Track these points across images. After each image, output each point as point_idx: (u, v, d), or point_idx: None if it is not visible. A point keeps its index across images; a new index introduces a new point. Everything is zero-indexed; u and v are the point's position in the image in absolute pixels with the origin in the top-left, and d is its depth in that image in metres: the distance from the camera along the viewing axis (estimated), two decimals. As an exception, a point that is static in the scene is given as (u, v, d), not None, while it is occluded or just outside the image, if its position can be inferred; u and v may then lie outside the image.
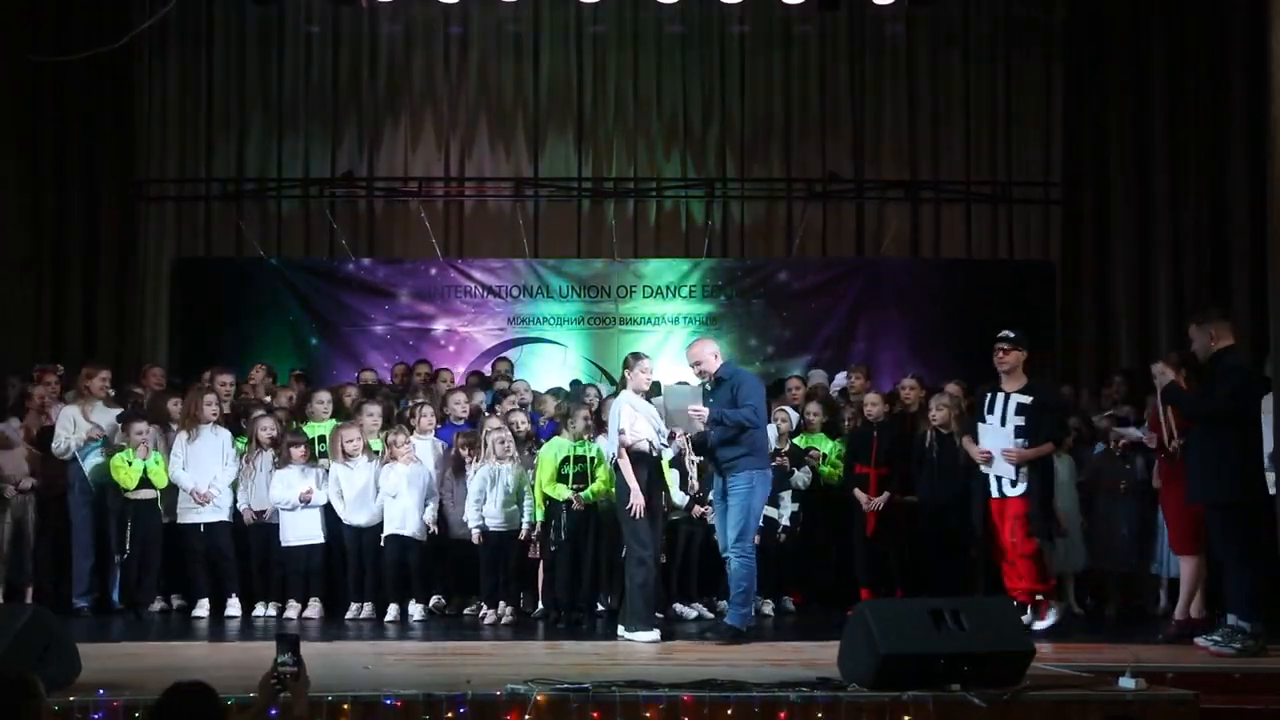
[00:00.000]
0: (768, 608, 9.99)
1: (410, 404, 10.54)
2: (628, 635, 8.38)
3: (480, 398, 10.90)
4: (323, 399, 10.47)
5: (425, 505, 9.64)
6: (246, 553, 9.98)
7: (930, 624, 6.16)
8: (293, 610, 9.73)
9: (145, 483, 9.74)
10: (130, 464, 9.67)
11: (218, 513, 9.92)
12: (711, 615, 9.68)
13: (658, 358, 13.07)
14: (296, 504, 9.70)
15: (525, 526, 9.45)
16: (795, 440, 10.27)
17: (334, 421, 10.31)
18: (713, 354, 8.76)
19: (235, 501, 9.96)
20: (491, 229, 14.70)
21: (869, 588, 9.69)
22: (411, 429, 9.96)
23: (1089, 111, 13.84)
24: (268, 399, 11.05)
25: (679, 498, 9.66)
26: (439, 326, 14.04)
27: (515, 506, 9.47)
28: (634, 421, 8.61)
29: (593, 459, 9.30)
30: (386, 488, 9.61)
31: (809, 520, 10.08)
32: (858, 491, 9.83)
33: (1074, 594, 10.22)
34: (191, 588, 10.02)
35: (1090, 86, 13.82)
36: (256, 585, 9.97)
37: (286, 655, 4.54)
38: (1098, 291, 13.64)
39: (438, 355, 13.58)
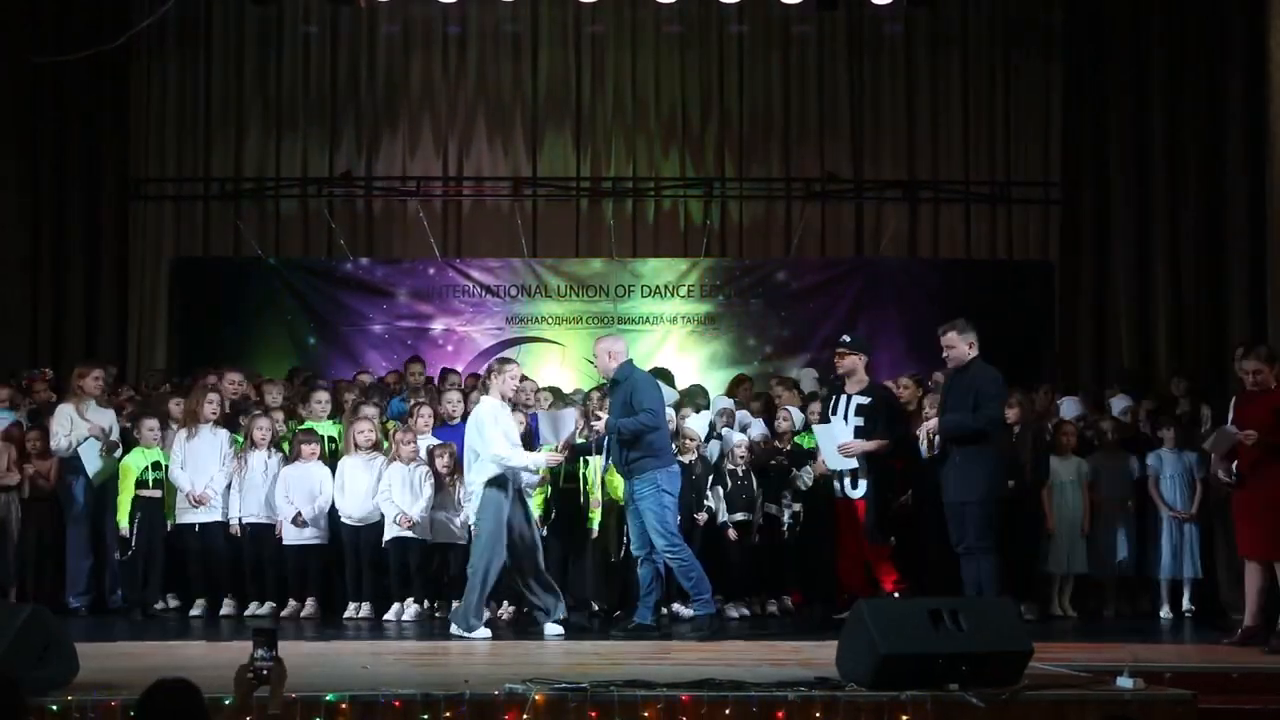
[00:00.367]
0: (772, 607, 9.99)
1: (411, 404, 10.54)
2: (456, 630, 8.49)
3: (475, 399, 10.86)
4: (321, 398, 10.47)
5: (422, 504, 9.63)
6: (243, 553, 9.97)
7: (929, 624, 6.16)
8: (290, 609, 9.73)
9: (158, 483, 9.78)
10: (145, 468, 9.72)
11: (214, 513, 9.91)
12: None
13: (656, 357, 13.10)
14: (296, 514, 9.73)
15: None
16: (796, 440, 10.25)
17: (332, 422, 10.33)
18: (608, 353, 8.75)
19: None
20: (490, 228, 14.70)
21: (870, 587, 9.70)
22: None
23: (1088, 111, 13.85)
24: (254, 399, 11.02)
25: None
26: (437, 326, 14.03)
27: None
28: (495, 434, 8.55)
29: (584, 459, 9.36)
30: (383, 486, 9.61)
31: (809, 520, 10.07)
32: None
33: (1071, 596, 10.23)
34: (188, 588, 10.02)
35: (1090, 86, 13.82)
36: (254, 585, 9.97)
37: (263, 649, 4.53)
38: (1097, 292, 13.65)
39: (436, 355, 13.57)
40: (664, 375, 10.48)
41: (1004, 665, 6.19)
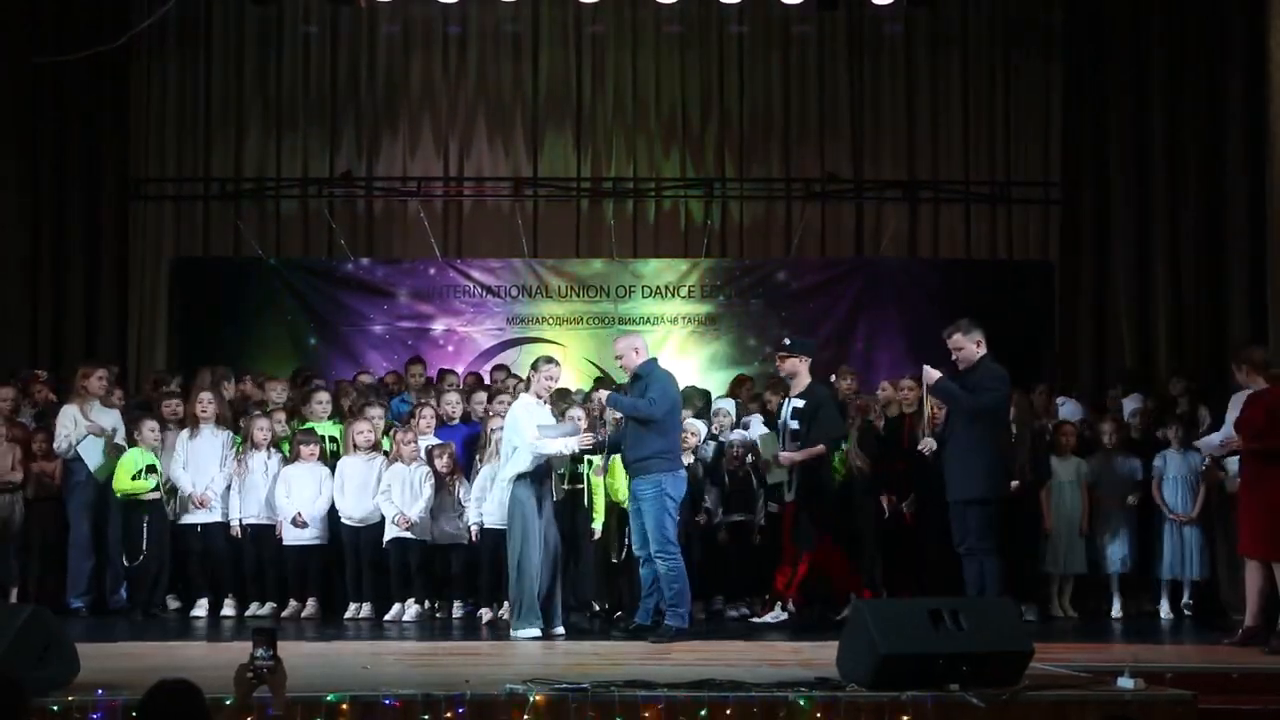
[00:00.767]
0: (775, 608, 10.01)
1: (412, 404, 10.56)
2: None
3: (479, 399, 10.88)
4: (322, 399, 10.47)
5: (422, 505, 9.64)
6: (244, 553, 9.98)
7: (929, 624, 6.16)
8: (291, 610, 9.74)
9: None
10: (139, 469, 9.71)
11: (215, 514, 9.91)
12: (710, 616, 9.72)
13: (657, 358, 13.07)
14: (296, 515, 9.73)
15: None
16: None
17: (333, 422, 10.34)
18: (634, 349, 8.78)
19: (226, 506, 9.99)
20: (490, 229, 14.69)
21: (870, 588, 9.72)
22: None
23: (1088, 111, 13.84)
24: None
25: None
26: (438, 326, 14.03)
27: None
28: (528, 426, 8.58)
29: (589, 460, 9.35)
30: (383, 486, 9.62)
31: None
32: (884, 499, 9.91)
33: (1071, 596, 10.24)
34: (190, 588, 10.03)
35: (1090, 86, 13.82)
36: (255, 585, 9.97)
37: (263, 649, 4.53)
38: (1097, 292, 13.65)
39: (436, 355, 13.57)
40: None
41: (1004, 665, 6.19)
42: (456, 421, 10.37)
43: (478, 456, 9.66)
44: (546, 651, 8.03)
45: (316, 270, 14.22)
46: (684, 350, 13.89)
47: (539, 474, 8.62)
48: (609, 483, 9.48)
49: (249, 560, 9.97)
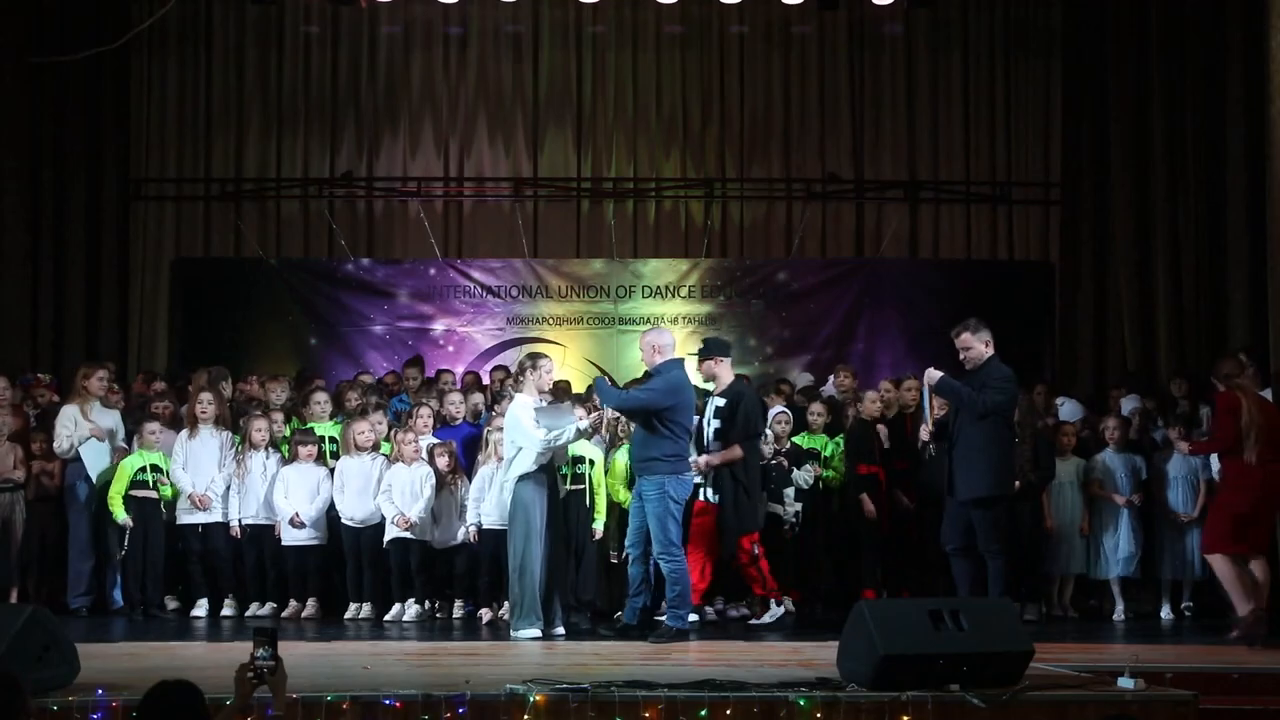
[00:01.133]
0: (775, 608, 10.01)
1: (411, 404, 10.55)
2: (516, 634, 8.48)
3: (477, 399, 10.88)
4: (320, 399, 10.47)
5: (421, 505, 9.64)
6: (244, 553, 9.98)
7: (929, 624, 6.16)
8: (291, 610, 9.74)
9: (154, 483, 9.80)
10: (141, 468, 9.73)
11: (215, 514, 9.92)
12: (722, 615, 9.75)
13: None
14: (294, 516, 9.73)
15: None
16: (795, 440, 10.26)
17: (333, 422, 10.34)
18: (653, 347, 8.74)
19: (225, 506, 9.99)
20: (490, 229, 14.69)
21: (872, 588, 9.73)
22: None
23: (1088, 111, 13.85)
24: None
25: None
26: (438, 326, 14.04)
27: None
28: (530, 424, 8.56)
29: (590, 460, 9.37)
30: (384, 486, 9.62)
31: (809, 520, 10.08)
32: (865, 499, 9.92)
33: (1071, 596, 10.24)
34: (189, 588, 10.04)
35: (1090, 86, 13.83)
36: (255, 585, 9.97)
37: (263, 649, 4.52)
38: (1097, 292, 13.65)
39: (436, 355, 13.58)
40: None
41: (1005, 665, 6.19)
42: (460, 422, 10.35)
43: (479, 456, 9.64)
44: (546, 651, 8.02)
45: (317, 270, 14.23)
46: (684, 350, 13.84)
47: (541, 474, 8.61)
48: (609, 482, 9.49)
49: (249, 560, 9.97)
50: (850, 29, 14.62)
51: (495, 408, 10.35)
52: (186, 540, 9.95)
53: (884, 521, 9.93)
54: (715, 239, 14.55)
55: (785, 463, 9.99)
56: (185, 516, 9.92)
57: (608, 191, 14.72)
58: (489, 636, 8.94)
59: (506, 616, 9.29)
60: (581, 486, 9.32)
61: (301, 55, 14.62)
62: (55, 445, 9.93)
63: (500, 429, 9.16)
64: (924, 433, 8.80)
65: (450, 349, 13.90)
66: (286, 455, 10.09)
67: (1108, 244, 13.59)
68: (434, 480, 9.67)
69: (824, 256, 14.56)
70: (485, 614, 9.52)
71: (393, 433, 9.95)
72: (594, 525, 9.43)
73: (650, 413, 8.51)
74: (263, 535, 9.92)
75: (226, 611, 9.86)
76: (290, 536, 9.80)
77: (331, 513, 9.86)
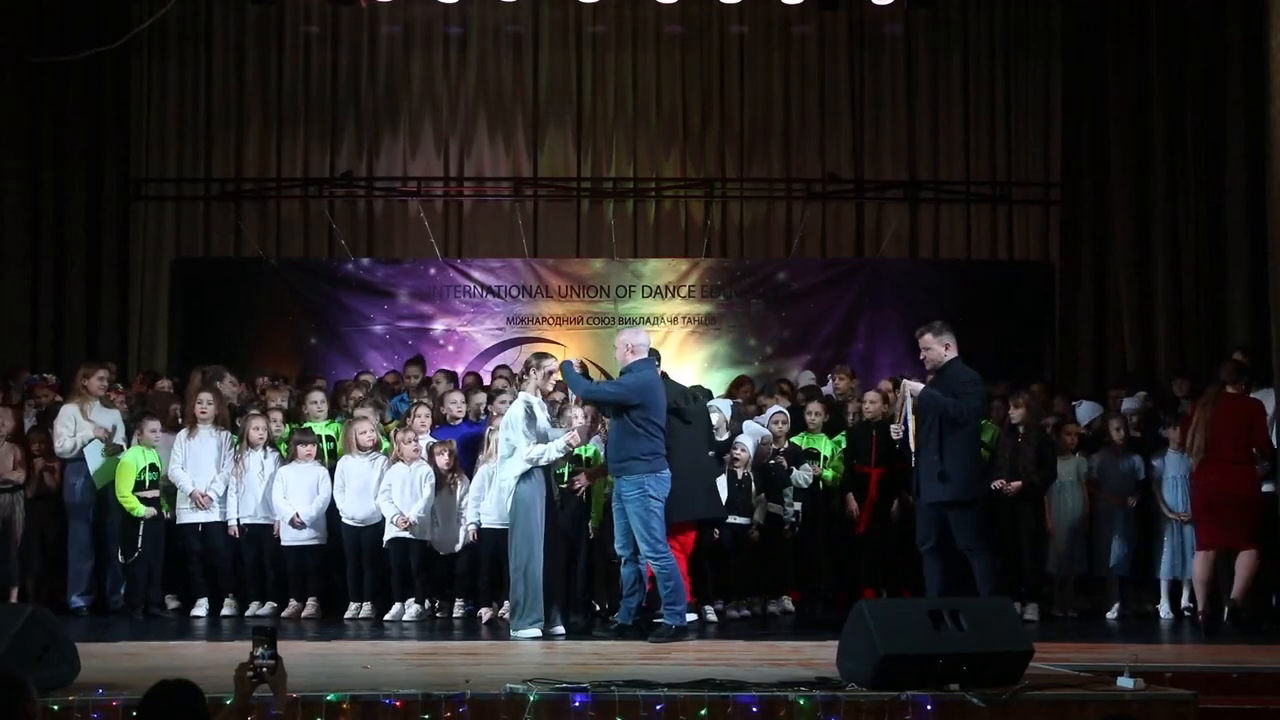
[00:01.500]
0: (772, 607, 10.00)
1: (411, 404, 10.55)
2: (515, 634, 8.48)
3: (478, 399, 10.89)
4: (316, 399, 10.47)
5: (421, 504, 9.64)
6: (244, 553, 9.98)
7: (929, 624, 6.16)
8: (291, 609, 9.74)
9: (156, 484, 9.79)
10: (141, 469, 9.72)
11: (215, 514, 9.91)
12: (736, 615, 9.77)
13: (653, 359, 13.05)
14: (294, 516, 9.73)
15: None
16: (794, 440, 10.27)
17: (329, 422, 10.34)
18: (627, 346, 8.73)
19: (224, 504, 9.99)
20: (490, 229, 14.69)
21: (872, 587, 9.74)
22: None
23: (1088, 111, 13.84)
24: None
25: None
26: (438, 326, 14.04)
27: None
28: (528, 433, 8.56)
29: (588, 460, 9.38)
30: (384, 486, 9.63)
31: (809, 520, 10.09)
32: (850, 499, 9.95)
33: (1071, 596, 10.24)
34: (189, 588, 10.04)
35: (1090, 86, 13.82)
36: (255, 585, 9.97)
37: (263, 648, 4.52)
38: (1097, 292, 13.65)
39: (436, 355, 13.58)
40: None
41: (1004, 665, 6.19)
42: (459, 421, 10.35)
43: (480, 456, 9.63)
44: (546, 651, 8.02)
45: (317, 270, 14.23)
46: (684, 350, 13.89)
47: (541, 474, 8.61)
48: (607, 482, 9.47)
49: (249, 560, 9.97)
50: (850, 29, 14.61)
51: (491, 407, 10.35)
52: (186, 540, 9.95)
53: (864, 520, 9.93)
54: (715, 239, 14.55)
55: (784, 463, 10.00)
56: (185, 516, 9.92)
57: (608, 191, 14.72)
58: (489, 636, 8.94)
59: (506, 616, 9.31)
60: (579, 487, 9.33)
61: (301, 55, 14.62)
62: (57, 446, 9.92)
63: (499, 427, 9.17)
64: (895, 431, 8.85)
65: (450, 349, 13.90)
66: (285, 455, 10.09)
67: (1108, 244, 13.58)
68: (434, 480, 9.67)
69: (824, 256, 14.56)
70: (485, 613, 9.52)
71: (393, 433, 9.95)
72: (590, 524, 9.43)
73: (619, 408, 8.50)
74: (262, 535, 9.92)
75: (226, 611, 9.86)
76: (290, 536, 9.80)
77: (331, 512, 9.85)
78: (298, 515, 9.73)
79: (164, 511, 9.86)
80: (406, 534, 9.59)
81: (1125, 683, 6.29)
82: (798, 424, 10.48)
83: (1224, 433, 9.24)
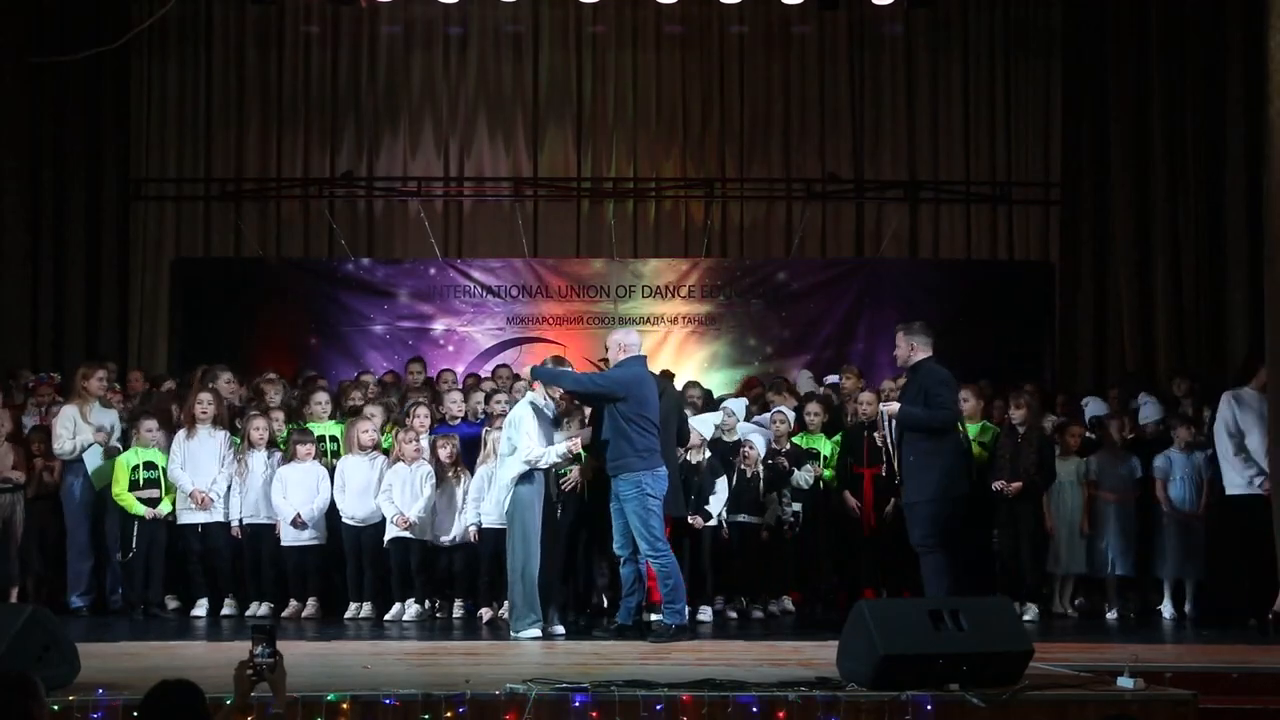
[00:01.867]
0: (773, 607, 10.00)
1: (410, 404, 10.55)
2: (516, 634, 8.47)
3: (477, 399, 10.88)
4: (321, 399, 10.47)
5: (421, 504, 9.64)
6: (244, 553, 9.98)
7: (929, 624, 6.16)
8: (291, 609, 9.74)
9: (150, 483, 9.79)
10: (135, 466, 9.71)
11: (216, 514, 9.91)
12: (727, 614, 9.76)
13: (657, 358, 13.09)
14: (294, 516, 9.73)
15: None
16: (795, 440, 10.27)
17: (333, 422, 10.34)
18: (619, 345, 8.72)
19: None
20: (491, 229, 14.70)
21: (872, 587, 9.74)
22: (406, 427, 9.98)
23: (1088, 111, 13.84)
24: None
25: None
26: (438, 326, 14.04)
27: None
28: (531, 433, 8.54)
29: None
30: (384, 485, 9.63)
31: (809, 520, 10.09)
32: (848, 496, 9.93)
33: (1071, 596, 10.25)
34: (189, 588, 10.03)
35: (1090, 86, 13.82)
36: (255, 585, 9.97)
37: (262, 647, 4.52)
38: (1097, 292, 13.65)
39: (436, 355, 13.59)
40: (664, 376, 10.48)
41: (1004, 665, 6.19)
42: (458, 421, 10.35)
43: (479, 456, 9.63)
44: (546, 651, 8.02)
45: (317, 270, 14.23)
46: (684, 350, 13.90)
47: (540, 474, 8.61)
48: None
49: (249, 560, 9.96)
50: (850, 29, 14.62)
51: (487, 407, 10.31)
52: (186, 540, 9.93)
53: (867, 521, 9.91)
54: (715, 239, 14.56)
55: (785, 463, 10.00)
56: (186, 516, 9.91)
57: (608, 191, 14.73)
58: (489, 636, 8.93)
59: (506, 616, 9.31)
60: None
61: (301, 55, 14.63)
62: (56, 447, 9.92)
63: (499, 428, 9.17)
64: (877, 439, 8.88)
65: (450, 349, 13.90)
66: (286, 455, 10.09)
67: (1108, 244, 13.58)
68: (434, 480, 9.67)
69: (824, 256, 14.56)
70: (485, 613, 9.52)
71: (394, 432, 9.95)
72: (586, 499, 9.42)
73: (607, 401, 8.48)
74: (263, 535, 9.91)
75: (226, 611, 9.85)
76: (290, 536, 9.79)
77: (331, 512, 9.85)
78: (299, 515, 9.72)
79: (163, 512, 9.84)
80: (407, 534, 9.59)
81: (1125, 683, 6.29)
82: (797, 424, 10.48)
83: None
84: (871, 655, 6.02)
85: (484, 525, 9.38)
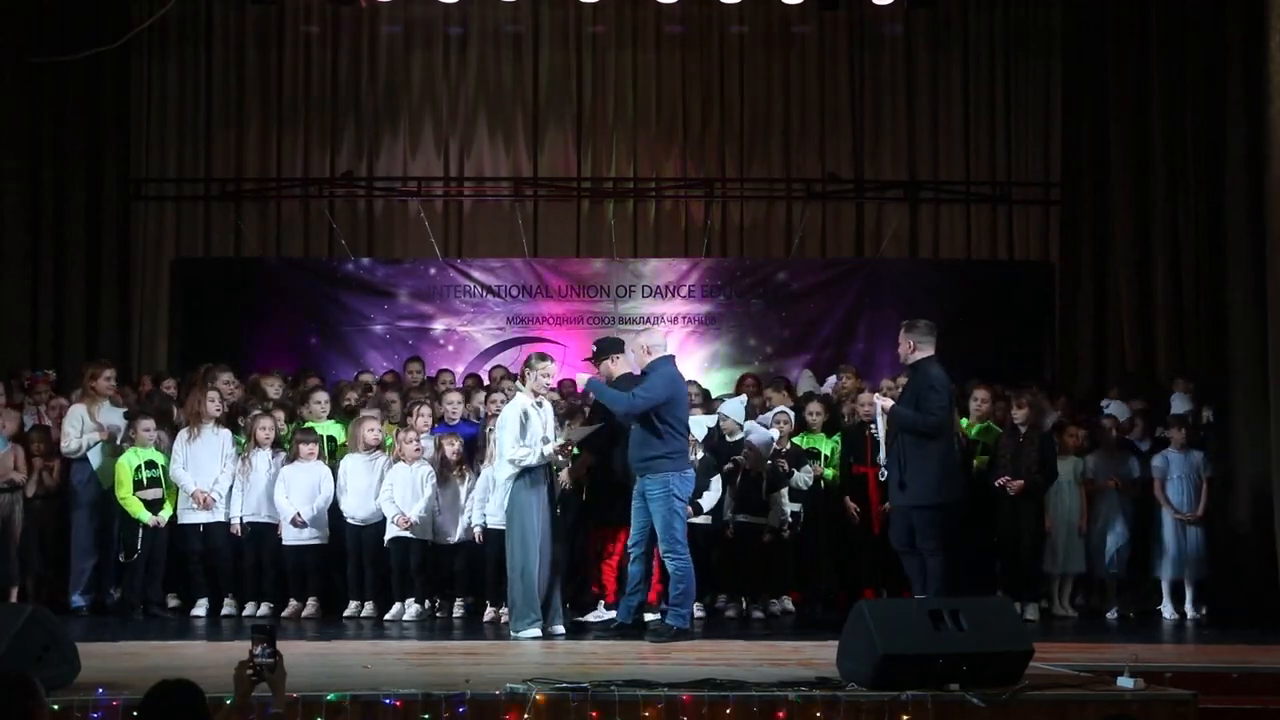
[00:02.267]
0: (773, 607, 10.00)
1: (412, 403, 10.55)
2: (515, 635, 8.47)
3: (479, 399, 10.88)
4: (321, 399, 10.47)
5: (422, 505, 9.64)
6: (245, 552, 9.98)
7: (929, 624, 6.17)
8: (291, 609, 9.74)
9: (152, 482, 9.79)
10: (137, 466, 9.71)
11: (217, 513, 9.91)
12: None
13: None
14: (295, 516, 9.73)
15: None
16: (795, 440, 10.26)
17: (331, 421, 10.34)
18: (644, 348, 8.73)
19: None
20: (491, 229, 14.70)
21: (872, 587, 9.74)
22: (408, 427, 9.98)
23: (1088, 111, 13.83)
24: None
25: None
26: (438, 326, 14.04)
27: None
28: (514, 434, 8.53)
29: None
30: (385, 485, 9.63)
31: (809, 520, 10.09)
32: (848, 501, 9.94)
33: (1071, 596, 10.25)
34: (190, 588, 10.03)
35: (1090, 86, 13.81)
36: (255, 584, 9.96)
37: (262, 646, 4.53)
38: (1097, 292, 13.63)
39: (437, 355, 13.59)
40: None
41: (1004, 665, 6.19)
42: (457, 421, 10.35)
43: (485, 456, 9.62)
44: (546, 651, 8.03)
45: (317, 270, 14.23)
46: (684, 350, 13.87)
47: (539, 473, 8.60)
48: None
49: (249, 559, 9.96)
50: (850, 29, 14.62)
51: (484, 406, 10.29)
52: (187, 539, 9.93)
53: (874, 521, 9.91)
54: (715, 239, 14.55)
55: (784, 464, 9.99)
56: (187, 515, 9.90)
57: (608, 191, 14.73)
58: (489, 636, 8.94)
59: (506, 616, 9.31)
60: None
61: (301, 55, 14.63)
62: (64, 445, 9.93)
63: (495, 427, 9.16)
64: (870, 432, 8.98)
65: (450, 349, 13.90)
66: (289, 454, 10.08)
67: (1108, 244, 13.57)
68: (435, 480, 9.67)
69: (824, 256, 14.56)
70: (489, 613, 9.52)
71: (394, 432, 9.95)
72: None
73: (651, 411, 8.49)
74: (263, 534, 9.91)
75: (226, 611, 9.85)
76: (291, 536, 9.80)
77: (332, 512, 9.85)
78: (298, 515, 9.72)
79: (165, 518, 9.83)
80: (407, 534, 9.59)
81: (1125, 683, 6.30)
82: (797, 424, 10.47)
83: None
84: (871, 655, 6.03)
85: (489, 526, 9.39)
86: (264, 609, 9.83)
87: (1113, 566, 10.16)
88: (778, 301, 14.10)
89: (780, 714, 5.88)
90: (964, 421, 10.02)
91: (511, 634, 8.50)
